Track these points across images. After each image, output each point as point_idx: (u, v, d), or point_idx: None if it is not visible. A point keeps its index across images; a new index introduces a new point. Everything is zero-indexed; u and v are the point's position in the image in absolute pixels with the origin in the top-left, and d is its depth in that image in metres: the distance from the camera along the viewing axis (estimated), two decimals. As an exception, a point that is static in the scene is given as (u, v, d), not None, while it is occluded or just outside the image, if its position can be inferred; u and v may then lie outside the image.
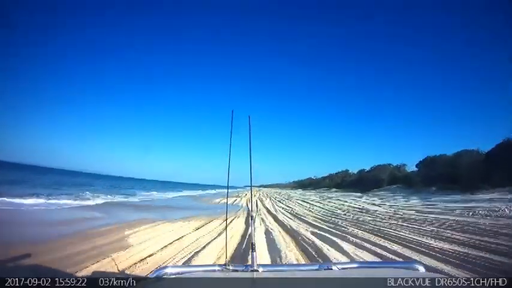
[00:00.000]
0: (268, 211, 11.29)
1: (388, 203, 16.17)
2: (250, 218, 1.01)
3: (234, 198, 21.07)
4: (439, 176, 23.21)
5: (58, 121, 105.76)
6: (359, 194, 29.53)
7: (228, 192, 1.51)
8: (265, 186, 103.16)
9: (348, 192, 36.32)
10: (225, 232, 4.75)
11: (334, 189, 47.74)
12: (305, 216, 9.06)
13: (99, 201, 10.84)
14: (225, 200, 17.41)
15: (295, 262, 3.17)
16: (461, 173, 20.21)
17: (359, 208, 12.95)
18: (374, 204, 15.68)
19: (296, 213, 10.42)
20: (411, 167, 34.96)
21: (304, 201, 19.26)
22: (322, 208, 13.28)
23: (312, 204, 16.32)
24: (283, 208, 13.03)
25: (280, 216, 8.87)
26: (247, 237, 4.71)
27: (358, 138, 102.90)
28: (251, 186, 1.08)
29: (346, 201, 18.72)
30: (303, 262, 3.18)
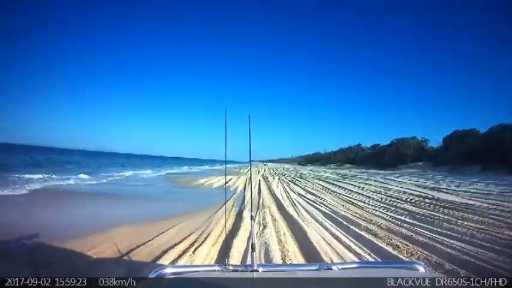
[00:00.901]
0: (280, 208, 7.79)
1: (455, 188, 13.82)
2: (250, 218, 1.39)
3: (231, 177, 18.59)
4: (473, 152, 24.75)
5: (63, 100, 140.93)
6: (388, 172, 30.64)
7: (226, 187, 1.97)
8: (270, 162, 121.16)
9: (367, 169, 38.84)
10: None
11: (348, 165, 54.06)
12: (369, 230, 5.38)
13: (33, 186, 10.43)
14: (215, 180, 16.36)
15: (295, 262, 3.63)
16: (507, 150, 21.31)
17: (429, 198, 10.10)
18: (442, 190, 12.88)
19: (333, 211, 7.30)
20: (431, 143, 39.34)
21: (327, 182, 16.98)
22: (367, 196, 10.58)
23: (342, 187, 13.92)
24: (303, 198, 9.92)
25: (312, 231, 5.12)
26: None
27: (367, 112, 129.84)
28: (251, 184, 1.48)
29: (385, 183, 16.31)
30: (303, 262, 3.69)
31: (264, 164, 74.96)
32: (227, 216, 6.54)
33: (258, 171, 31.76)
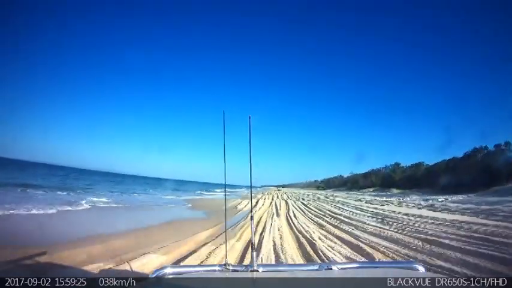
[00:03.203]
0: None
1: None
2: (250, 218, 1.54)
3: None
4: None
5: (69, 120, 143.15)
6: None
7: (225, 191, 2.15)
8: (283, 186, 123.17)
9: (448, 195, 31.31)
10: None
11: (396, 191, 49.50)
12: None
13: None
14: None
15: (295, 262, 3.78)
16: None
17: None
18: None
19: None
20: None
21: None
22: None
23: None
24: None
25: None
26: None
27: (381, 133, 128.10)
28: (251, 189, 1.65)
29: None
30: (303, 262, 3.87)
31: (278, 189, 72.54)
32: None
33: (276, 206, 21.69)
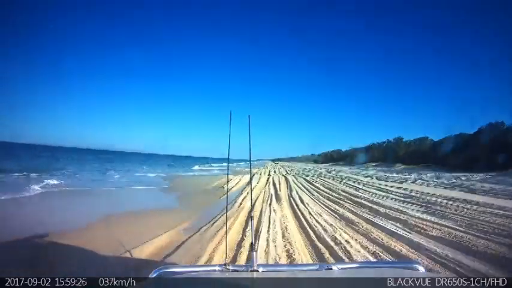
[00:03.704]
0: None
1: None
2: (250, 219, 1.60)
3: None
4: None
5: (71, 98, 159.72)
6: None
7: (227, 182, 2.22)
8: (280, 160, 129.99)
9: (463, 172, 30.02)
10: None
11: (403, 166, 48.14)
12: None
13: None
14: None
15: (295, 262, 4.17)
16: None
17: None
18: None
19: None
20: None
21: None
22: None
23: None
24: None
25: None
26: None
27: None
28: (251, 184, 1.71)
29: None
30: (303, 262, 4.25)
31: (275, 163, 73.58)
32: None
33: (275, 185, 18.19)
